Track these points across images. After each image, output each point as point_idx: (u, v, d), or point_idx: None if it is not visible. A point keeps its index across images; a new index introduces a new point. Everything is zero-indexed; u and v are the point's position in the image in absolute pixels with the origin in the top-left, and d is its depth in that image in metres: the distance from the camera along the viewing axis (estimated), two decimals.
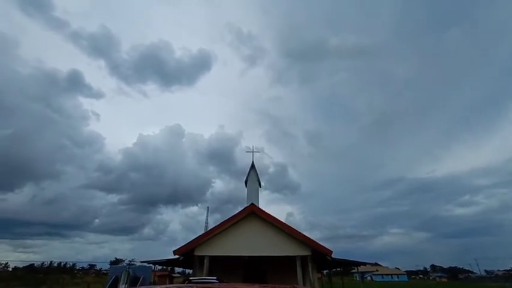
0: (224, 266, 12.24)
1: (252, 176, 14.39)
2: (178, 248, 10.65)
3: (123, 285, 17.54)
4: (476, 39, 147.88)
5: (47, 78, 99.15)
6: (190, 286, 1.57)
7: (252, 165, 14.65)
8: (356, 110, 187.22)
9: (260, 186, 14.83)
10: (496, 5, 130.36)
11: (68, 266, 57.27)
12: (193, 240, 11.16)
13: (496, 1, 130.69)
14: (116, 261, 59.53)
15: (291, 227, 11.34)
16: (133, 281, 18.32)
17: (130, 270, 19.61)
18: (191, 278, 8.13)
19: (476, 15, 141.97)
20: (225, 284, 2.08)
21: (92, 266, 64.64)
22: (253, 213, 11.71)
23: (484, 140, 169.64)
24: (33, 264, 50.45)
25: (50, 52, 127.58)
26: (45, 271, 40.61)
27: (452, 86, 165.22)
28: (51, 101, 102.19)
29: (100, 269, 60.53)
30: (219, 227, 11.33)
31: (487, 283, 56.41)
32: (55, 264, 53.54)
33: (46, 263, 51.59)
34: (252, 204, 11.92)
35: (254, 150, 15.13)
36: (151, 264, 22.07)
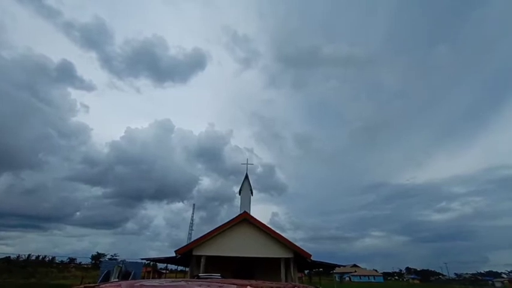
0: (218, 265, 13.92)
1: (246, 186, 16.17)
2: (180, 248, 12.27)
3: (115, 280, 18.75)
4: (461, 55, 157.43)
5: (36, 67, 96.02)
6: (200, 281, 1.79)
7: (246, 177, 16.43)
8: (345, 116, 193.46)
9: (252, 195, 16.64)
10: (482, 26, 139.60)
11: (47, 259, 56.38)
12: (193, 241, 12.83)
13: (482, 22, 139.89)
14: (98, 256, 59.35)
15: (277, 233, 13.22)
16: (124, 275, 19.59)
17: (122, 265, 20.87)
18: (200, 275, 9.72)
19: (463, 33, 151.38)
20: (224, 279, 2.46)
21: (72, 260, 63.65)
22: (245, 219, 13.48)
23: (463, 149, 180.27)
24: (10, 256, 49.52)
25: (40, 41, 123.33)
26: (23, 264, 40.36)
27: (437, 98, 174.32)
28: (38, 90, 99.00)
29: (80, 263, 59.90)
30: (215, 231, 13.02)
31: (454, 285, 61.19)
32: (33, 257, 52.68)
33: (23, 255, 50.57)
34: (245, 212, 13.71)
35: (248, 163, 16.95)
36: (143, 261, 23.40)
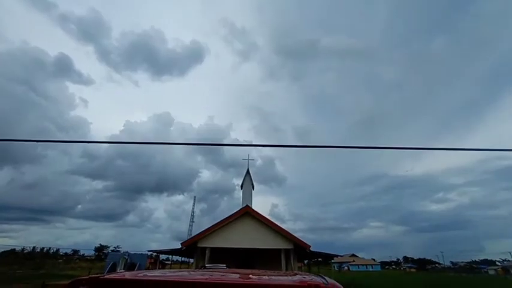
0: (221, 256, 14.63)
1: (247, 180, 16.73)
2: (186, 241, 12.95)
3: (121, 271, 19.50)
4: (459, 48, 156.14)
5: (33, 61, 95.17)
6: (205, 270, 1.79)
7: (247, 172, 16.98)
8: (344, 109, 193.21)
9: (253, 189, 17.23)
10: (480, 19, 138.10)
11: (52, 251, 57.57)
12: (197, 234, 13.47)
13: (480, 16, 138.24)
14: (101, 248, 60.68)
15: (277, 225, 13.86)
16: (130, 267, 20.41)
17: (127, 257, 21.69)
18: (206, 265, 10.35)
19: (461, 27, 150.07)
20: (232, 269, 2.61)
21: (75, 252, 65.07)
22: (247, 213, 14.09)
23: (461, 141, 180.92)
24: (15, 249, 50.55)
25: (36, 34, 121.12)
26: (29, 257, 41.38)
27: (435, 90, 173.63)
28: (36, 84, 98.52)
29: (83, 254, 61.24)
30: (219, 224, 13.64)
31: (449, 273, 63.08)
32: (38, 250, 53.76)
33: (28, 248, 51.53)
34: (247, 205, 14.31)
35: (249, 159, 17.48)
36: (148, 252, 24.20)
